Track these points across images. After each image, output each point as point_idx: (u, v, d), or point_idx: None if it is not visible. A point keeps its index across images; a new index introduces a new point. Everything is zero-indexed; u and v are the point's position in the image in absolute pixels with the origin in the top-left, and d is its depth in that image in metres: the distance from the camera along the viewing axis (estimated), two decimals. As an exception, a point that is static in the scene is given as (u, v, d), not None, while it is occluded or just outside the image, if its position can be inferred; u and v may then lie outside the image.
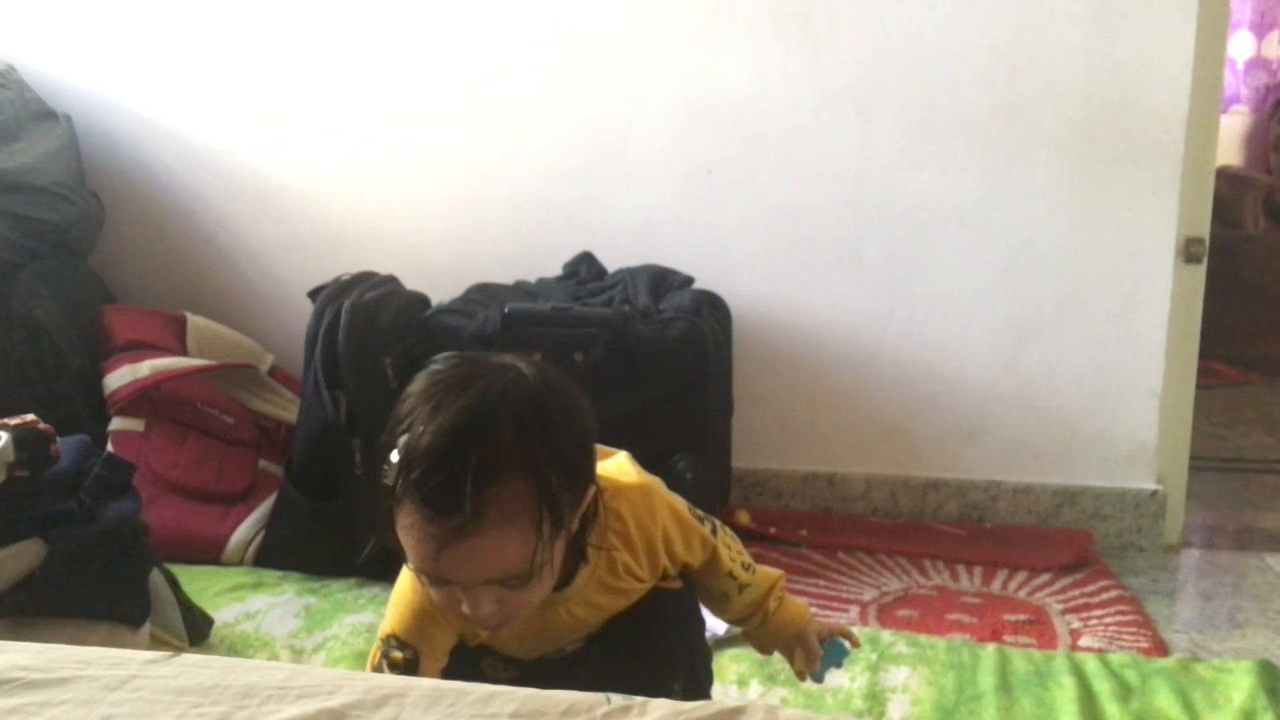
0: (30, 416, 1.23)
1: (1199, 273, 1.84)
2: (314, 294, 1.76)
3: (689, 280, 1.85)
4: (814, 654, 1.11)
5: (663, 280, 1.81)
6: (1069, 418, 1.89)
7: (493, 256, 1.95)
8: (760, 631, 1.13)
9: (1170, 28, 1.72)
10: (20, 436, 1.19)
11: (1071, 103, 1.77)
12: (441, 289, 1.83)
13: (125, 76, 2.12)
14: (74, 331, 1.91)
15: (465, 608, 0.87)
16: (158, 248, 2.15)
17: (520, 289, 1.86)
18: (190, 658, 0.72)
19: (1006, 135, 1.81)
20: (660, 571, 1.05)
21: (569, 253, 1.90)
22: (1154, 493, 1.87)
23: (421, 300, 1.82)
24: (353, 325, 1.68)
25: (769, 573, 1.14)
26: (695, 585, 1.11)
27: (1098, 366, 1.86)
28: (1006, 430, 1.91)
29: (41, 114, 2.09)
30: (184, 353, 1.93)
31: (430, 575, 0.87)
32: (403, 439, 0.83)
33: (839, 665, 1.13)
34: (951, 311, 1.89)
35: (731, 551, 1.10)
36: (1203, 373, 3.01)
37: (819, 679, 1.13)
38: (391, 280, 1.82)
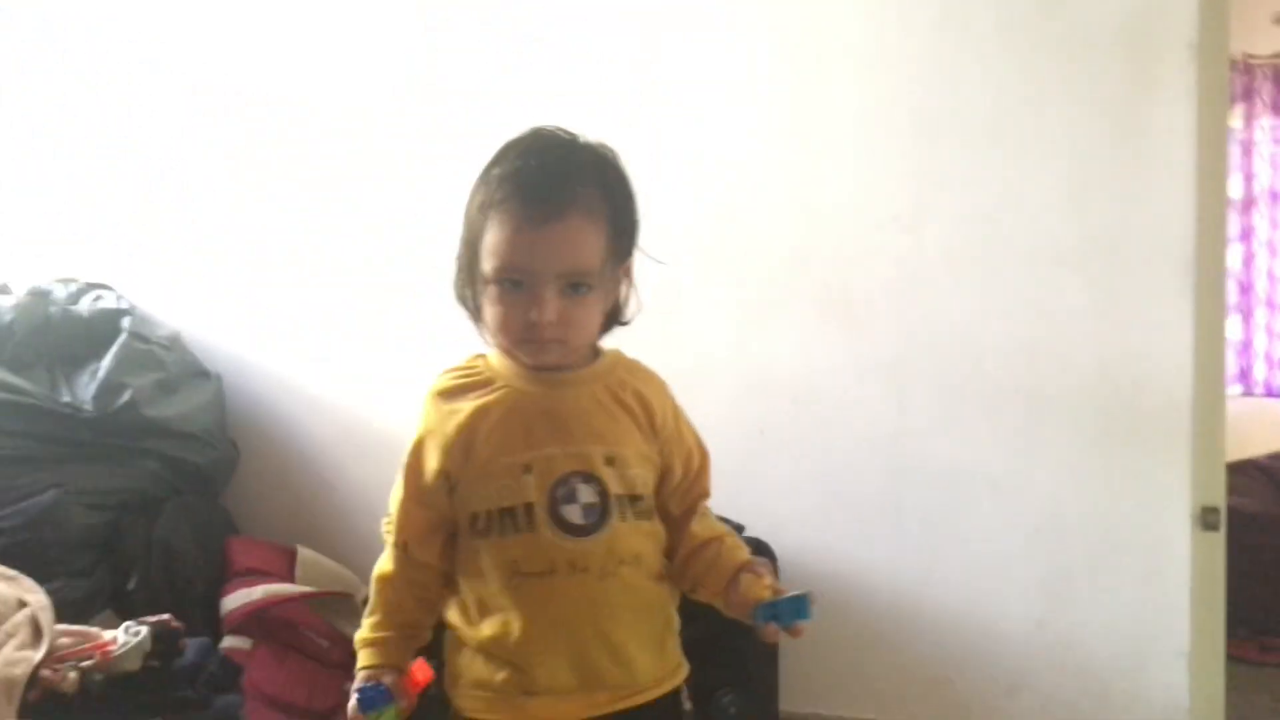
0: (166, 616, 1.47)
1: (1217, 539, 1.96)
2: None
3: (739, 528, 2.04)
4: (778, 588, 1.11)
5: (716, 528, 2.01)
6: (1103, 676, 1.98)
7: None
8: (722, 561, 1.16)
9: (1170, 317, 1.93)
10: (157, 632, 1.43)
11: (1085, 385, 1.98)
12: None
13: (268, 343, 2.50)
14: (201, 558, 2.18)
15: (533, 313, 1.07)
16: (280, 488, 2.46)
17: (590, 533, 2.08)
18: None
19: (1029, 410, 2.01)
20: (661, 440, 1.18)
21: (635, 502, 2.13)
22: (1191, 754, 1.92)
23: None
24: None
25: None
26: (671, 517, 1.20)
27: (1126, 627, 1.96)
28: (1044, 685, 2.00)
29: (197, 372, 2.46)
30: (292, 580, 2.18)
31: (515, 270, 1.08)
32: (495, 170, 1.10)
33: (805, 619, 1.08)
34: (986, 569, 2.04)
35: None
36: (1272, 650, 3.03)
37: (784, 621, 1.08)
38: (477, 521, 2.06)
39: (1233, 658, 2.90)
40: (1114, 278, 1.95)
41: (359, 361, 2.42)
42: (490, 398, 1.15)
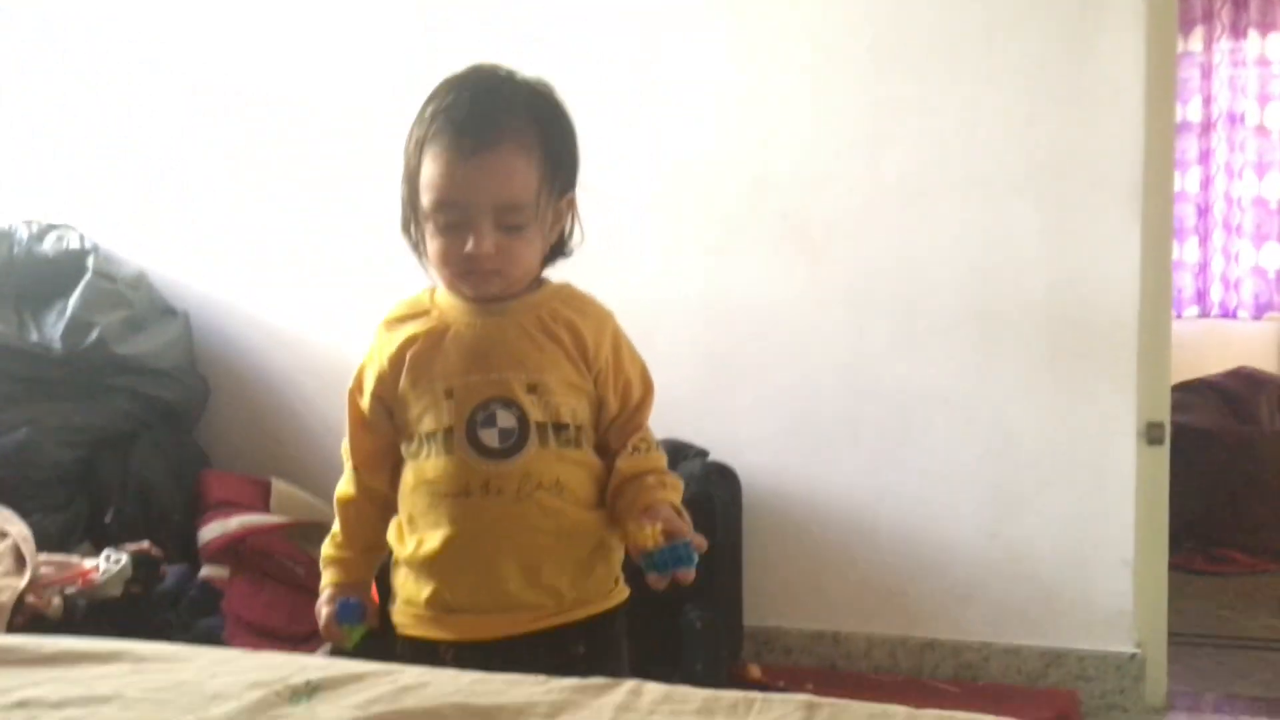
0: (146, 543, 1.52)
1: (1161, 453, 2.05)
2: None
3: (703, 453, 2.11)
4: (673, 529, 1.09)
5: (678, 453, 2.07)
6: (1052, 584, 2.07)
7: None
8: (629, 501, 1.14)
9: (1118, 240, 1.99)
10: (137, 559, 1.48)
11: (1034, 305, 2.04)
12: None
13: (234, 279, 2.51)
14: (176, 491, 2.22)
15: (470, 246, 1.10)
16: (251, 422, 2.49)
17: (557, 459, 2.14)
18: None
19: (981, 332, 2.07)
20: (594, 371, 1.18)
21: (601, 429, 2.18)
22: (1133, 656, 2.02)
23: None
24: (411, 485, 1.96)
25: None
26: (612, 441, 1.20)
27: (1074, 537, 2.05)
28: (996, 594, 2.09)
29: (164, 310, 2.47)
30: (267, 511, 2.23)
31: (450, 204, 1.10)
32: (429, 106, 1.12)
33: (685, 567, 1.06)
34: (940, 484, 2.11)
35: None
36: (1220, 560, 3.16)
37: (660, 570, 1.07)
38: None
39: (1182, 568, 3.04)
40: (1064, 202, 2.00)
41: (324, 295, 2.44)
42: (421, 328, 1.20)
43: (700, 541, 1.10)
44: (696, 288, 2.20)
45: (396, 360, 1.18)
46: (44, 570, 1.48)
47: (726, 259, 2.19)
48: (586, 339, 1.19)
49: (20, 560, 1.54)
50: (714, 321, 2.19)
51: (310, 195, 2.44)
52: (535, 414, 1.17)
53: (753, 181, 2.17)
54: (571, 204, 1.21)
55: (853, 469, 2.15)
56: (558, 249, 1.22)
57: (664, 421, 2.17)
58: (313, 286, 2.45)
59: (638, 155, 2.21)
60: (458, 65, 1.17)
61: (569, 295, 1.23)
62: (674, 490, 1.18)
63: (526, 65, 1.19)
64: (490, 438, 1.17)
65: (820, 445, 2.17)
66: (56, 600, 1.42)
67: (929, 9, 2.03)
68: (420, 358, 1.18)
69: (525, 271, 1.18)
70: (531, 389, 1.17)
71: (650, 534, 1.06)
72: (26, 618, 1.43)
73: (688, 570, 1.07)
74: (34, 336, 2.17)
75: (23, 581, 1.48)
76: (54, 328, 2.18)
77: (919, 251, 2.09)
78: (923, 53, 2.03)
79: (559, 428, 1.18)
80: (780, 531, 2.17)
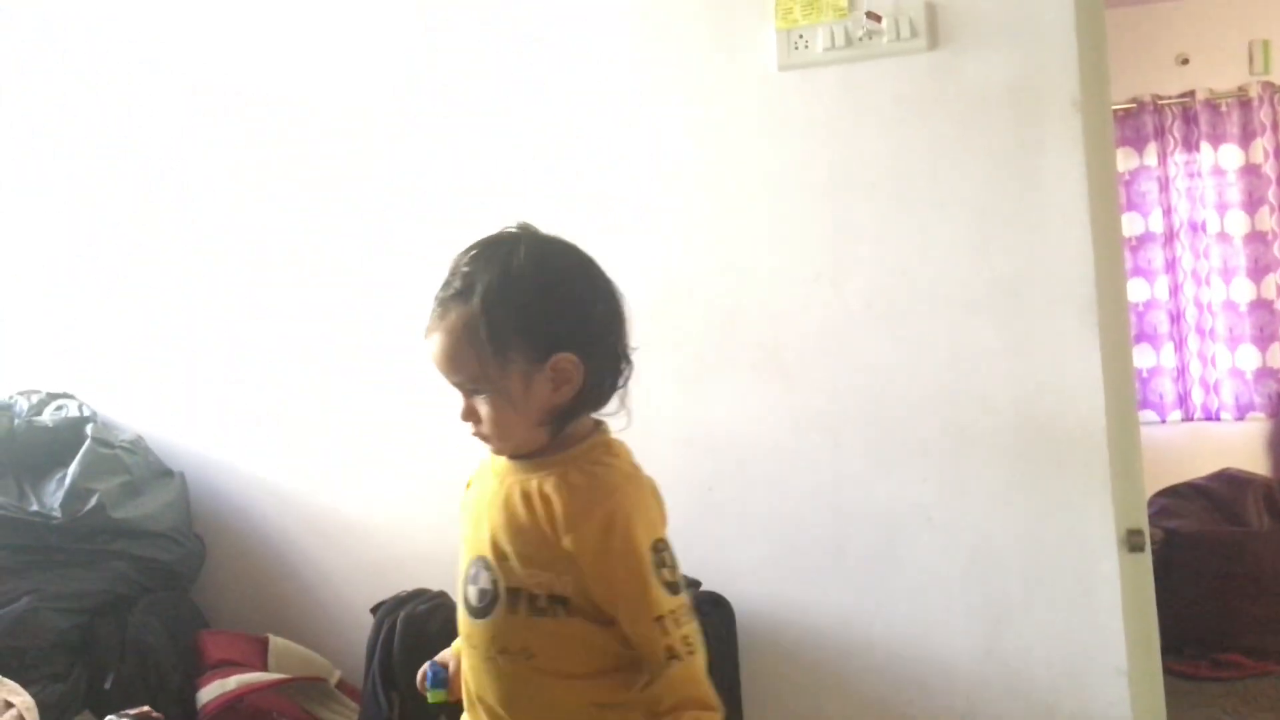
0: (146, 708, 1.54)
1: (1143, 560, 2.07)
2: (375, 609, 2.08)
3: (695, 583, 2.13)
4: None
5: (670, 584, 2.10)
6: (1049, 697, 2.06)
7: (527, 572, 2.26)
8: None
9: (1078, 351, 2.05)
10: (136, 723, 1.49)
11: (1003, 419, 2.09)
12: (484, 601, 2.13)
13: (229, 438, 2.57)
14: (174, 653, 2.23)
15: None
16: (248, 579, 2.52)
17: (550, 598, 2.16)
18: None
19: (954, 448, 2.12)
20: (560, 543, 1.15)
21: (592, 565, 2.21)
22: (1137, 766, 2.00)
23: (466, 611, 2.12)
24: (406, 634, 1.98)
25: (704, 689, 1.15)
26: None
27: (1066, 649, 2.05)
28: (995, 711, 2.08)
29: (161, 472, 2.53)
30: (265, 669, 2.24)
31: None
32: None
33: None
34: (928, 603, 2.13)
35: (678, 619, 1.16)
36: (1224, 665, 3.14)
37: None
38: (441, 595, 2.13)
39: (1187, 676, 3.02)
40: (1023, 318, 2.08)
41: (320, 452, 2.50)
42: (477, 477, 1.33)
43: None
44: (675, 420, 2.26)
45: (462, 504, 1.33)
46: (43, 740, 1.50)
47: (703, 390, 2.25)
48: (557, 516, 1.18)
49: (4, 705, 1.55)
50: (694, 452, 2.25)
51: (303, 352, 2.52)
52: (505, 580, 1.21)
53: (725, 314, 2.25)
54: (557, 367, 1.20)
55: (842, 592, 2.17)
56: (571, 407, 1.23)
57: (654, 555, 2.21)
58: (308, 443, 2.51)
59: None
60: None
61: (580, 462, 1.23)
62: None
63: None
64: (473, 595, 1.25)
65: (808, 569, 2.19)
66: (56, 768, 1.43)
67: (878, 142, 2.14)
68: (465, 505, 1.32)
69: (510, 434, 1.22)
70: (501, 555, 1.22)
71: None
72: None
73: None
74: (34, 506, 2.22)
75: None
76: (54, 496, 2.23)
77: (888, 373, 2.16)
78: (874, 184, 2.14)
79: (532, 596, 1.19)
80: (776, 659, 2.18)
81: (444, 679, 1.31)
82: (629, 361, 1.30)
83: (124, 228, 2.65)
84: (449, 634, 2.01)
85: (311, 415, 2.51)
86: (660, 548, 1.20)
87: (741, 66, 2.22)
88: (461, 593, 1.26)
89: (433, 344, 1.21)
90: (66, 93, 2.71)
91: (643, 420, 2.26)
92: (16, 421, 2.40)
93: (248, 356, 2.55)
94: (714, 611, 2.05)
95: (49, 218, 2.71)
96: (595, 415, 1.31)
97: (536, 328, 1.20)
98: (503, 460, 1.27)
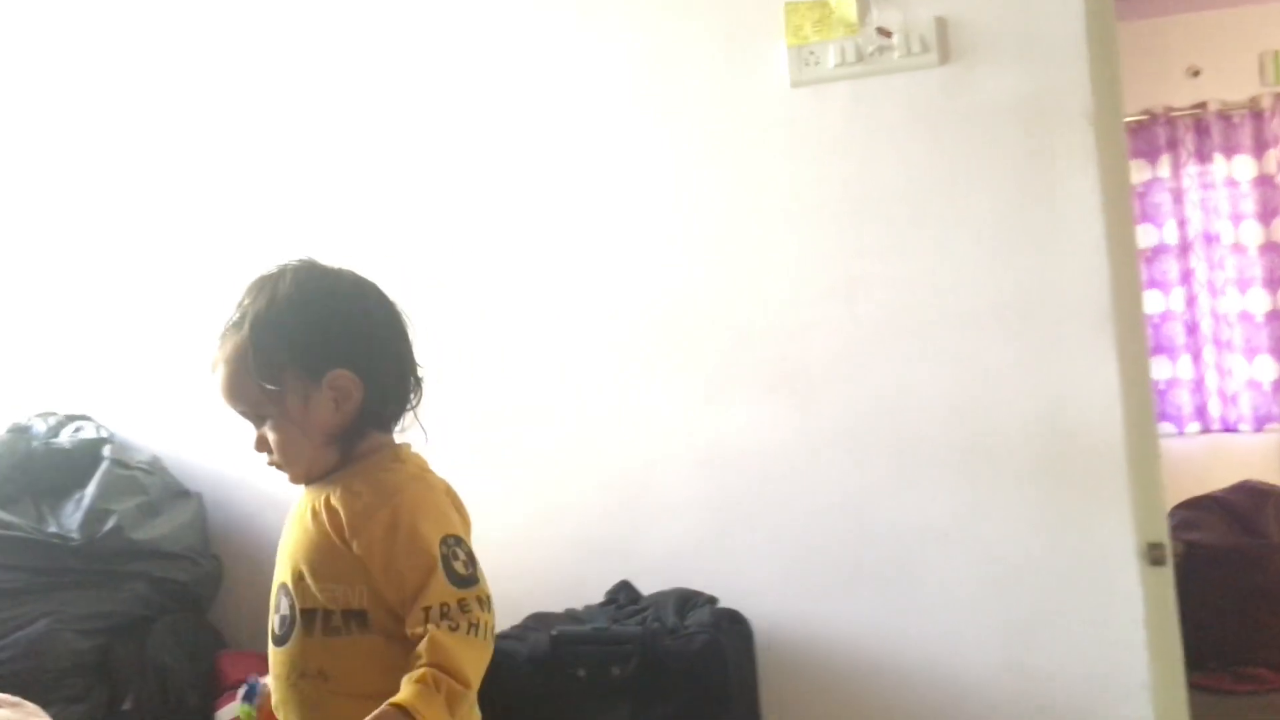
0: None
1: (1165, 574, 2.05)
2: (393, 628, 2.08)
3: (712, 600, 2.13)
4: None
5: (688, 601, 2.09)
6: (1072, 715, 2.05)
7: (545, 589, 2.26)
8: None
9: (1095, 365, 2.04)
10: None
11: (1021, 435, 2.08)
12: (503, 618, 2.10)
13: (247, 460, 2.57)
14: (193, 674, 2.24)
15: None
16: (264, 600, 2.50)
17: (569, 615, 2.15)
18: None
19: (972, 465, 2.11)
20: (358, 555, 1.17)
21: (610, 582, 2.20)
22: (1162, 782, 1.98)
23: (483, 630, 2.12)
24: (424, 653, 1.97)
25: (464, 664, 1.11)
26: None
27: (1089, 665, 2.04)
28: (1018, 729, 2.08)
29: (178, 493, 2.53)
30: (282, 688, 2.23)
31: None
32: None
33: None
34: (948, 620, 2.11)
35: (465, 605, 1.14)
36: (1246, 679, 3.11)
37: None
38: (458, 614, 2.13)
39: (1210, 689, 2.99)
40: (1039, 332, 2.07)
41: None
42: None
43: None
44: (691, 438, 2.26)
45: None
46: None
47: (719, 409, 2.25)
48: (344, 523, 1.21)
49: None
50: (711, 471, 2.24)
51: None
52: (300, 601, 1.23)
53: (740, 332, 2.25)
54: (338, 383, 1.24)
55: (861, 609, 2.16)
56: (356, 425, 1.26)
57: (672, 570, 2.23)
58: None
59: (620, 309, 2.31)
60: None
61: (366, 471, 1.26)
62: (422, 692, 1.10)
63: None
64: (276, 623, 1.28)
65: (826, 587, 2.18)
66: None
67: (891, 157, 2.14)
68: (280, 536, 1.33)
69: (300, 455, 1.26)
70: (299, 576, 1.24)
71: None
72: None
73: None
74: (52, 527, 2.23)
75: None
76: (71, 518, 2.24)
77: (904, 390, 2.16)
78: (888, 201, 2.14)
79: (327, 614, 1.20)
80: (796, 676, 2.17)
81: (254, 695, 1.27)
82: (417, 380, 1.32)
83: (140, 248, 2.66)
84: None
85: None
86: (452, 542, 1.20)
87: (754, 83, 2.22)
88: (269, 625, 1.29)
89: (216, 376, 1.26)
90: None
91: (660, 437, 2.29)
92: (34, 443, 2.41)
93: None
94: (732, 629, 2.04)
95: (62, 238, 2.73)
96: (396, 439, 1.34)
97: (305, 347, 1.23)
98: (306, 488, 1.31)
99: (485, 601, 1.18)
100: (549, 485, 2.34)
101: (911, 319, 2.14)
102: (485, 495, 2.35)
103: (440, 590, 1.15)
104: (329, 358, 1.24)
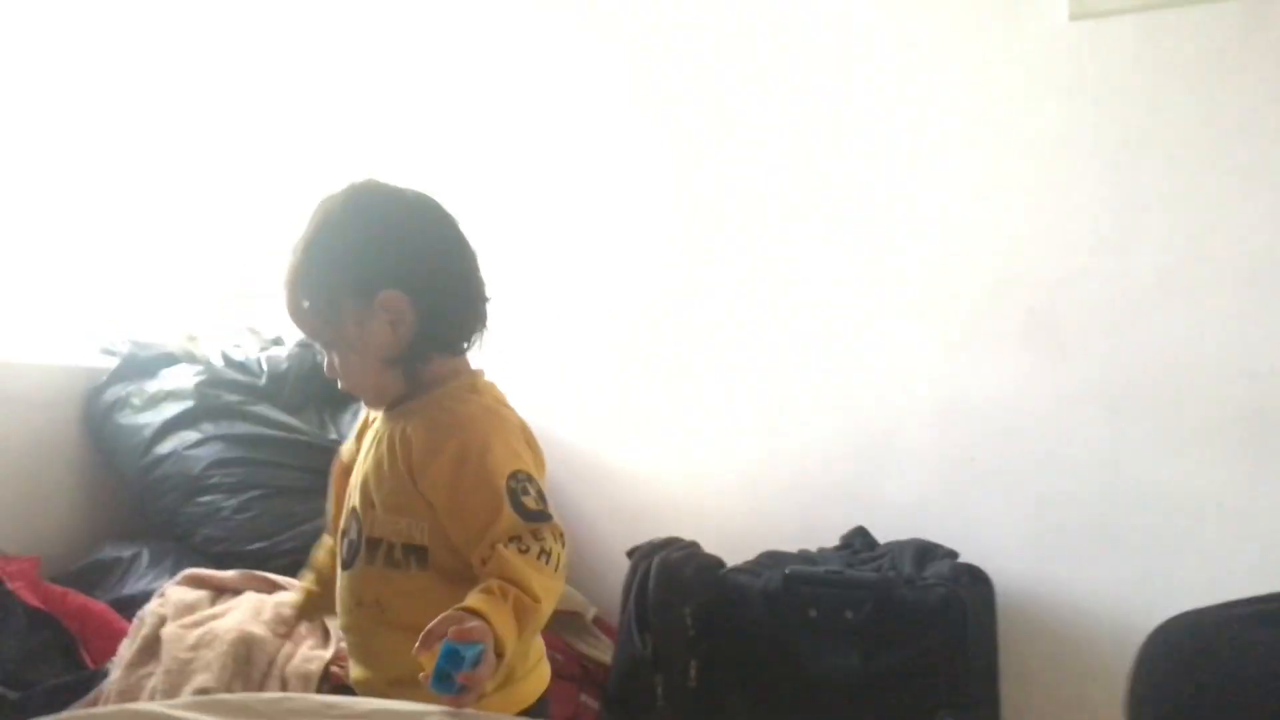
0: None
1: None
2: (631, 552, 2.16)
3: (952, 554, 2.08)
4: (462, 635, 0.97)
5: (927, 553, 2.06)
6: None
7: (780, 528, 2.28)
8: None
9: None
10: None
11: (1312, 403, 1.91)
12: (735, 555, 2.15)
13: (507, 388, 2.72)
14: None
15: None
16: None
17: (802, 556, 2.16)
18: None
19: (1252, 433, 1.95)
20: (422, 489, 1.15)
21: (845, 527, 2.20)
22: None
23: (717, 562, 2.16)
24: (660, 577, 2.04)
25: (534, 581, 1.05)
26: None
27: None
28: (1282, 719, 1.93)
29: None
30: (528, 600, 2.37)
31: None
32: None
33: (454, 670, 0.95)
34: (1213, 596, 1.97)
35: (538, 534, 1.10)
36: None
37: (443, 689, 0.95)
38: (693, 545, 2.19)
39: None
40: (1341, 294, 1.89)
41: (585, 403, 2.60)
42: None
43: (480, 633, 0.98)
44: (936, 387, 2.20)
45: None
46: (343, 644, 1.66)
47: (967, 358, 2.18)
48: (414, 453, 1.18)
49: (326, 633, 1.73)
50: (956, 421, 2.18)
51: (573, 307, 2.62)
52: (368, 529, 1.21)
53: (994, 279, 2.16)
54: (389, 303, 1.20)
55: (1117, 579, 2.06)
56: (416, 347, 1.23)
57: (910, 521, 2.20)
58: (574, 395, 2.61)
59: (872, 254, 2.27)
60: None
61: (439, 400, 1.22)
62: (488, 600, 1.04)
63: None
64: (344, 548, 1.26)
65: (1079, 552, 2.09)
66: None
67: (1180, 101, 1.98)
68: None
69: (364, 381, 1.25)
70: (368, 503, 1.22)
71: (423, 664, 0.97)
72: (331, 687, 1.60)
73: (466, 671, 0.95)
74: (332, 434, 2.44)
75: (329, 653, 1.66)
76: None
77: (1179, 350, 2.02)
78: (1174, 146, 1.98)
79: (389, 547, 1.18)
80: (1039, 641, 2.10)
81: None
82: (480, 305, 1.27)
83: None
84: (702, 581, 2.07)
85: (578, 368, 2.61)
86: (522, 478, 1.14)
87: (1026, 18, 2.11)
88: (337, 544, 1.29)
89: (281, 302, 1.25)
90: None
91: (903, 386, 2.25)
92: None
93: (528, 312, 2.68)
94: (973, 585, 1.99)
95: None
96: (474, 363, 1.32)
97: (354, 268, 1.20)
98: (380, 413, 1.30)
99: (558, 536, 1.14)
100: (789, 426, 2.34)
101: (1191, 275, 1.99)
102: (731, 432, 2.41)
103: (509, 525, 1.11)
104: (378, 278, 1.19)
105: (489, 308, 1.30)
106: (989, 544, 2.12)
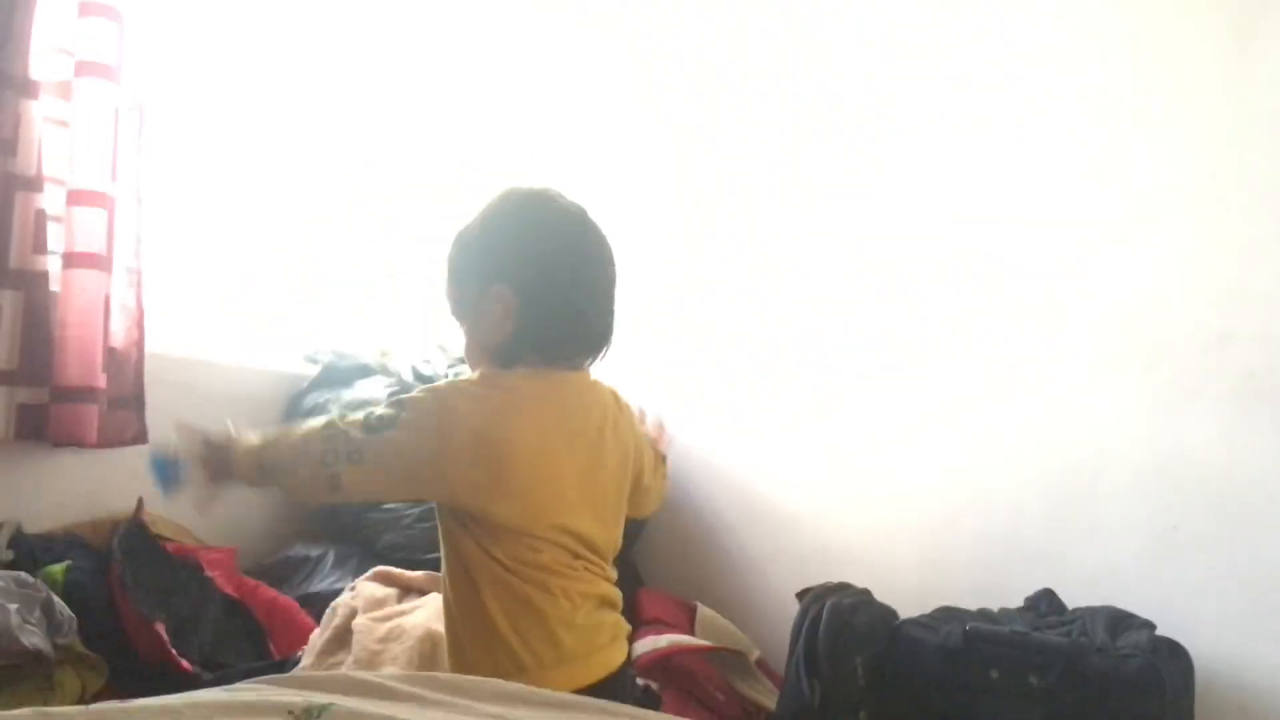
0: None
1: None
2: (801, 594, 2.10)
3: (1149, 625, 1.94)
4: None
5: (1121, 622, 1.93)
6: None
7: (958, 583, 2.19)
8: None
9: None
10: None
11: None
12: (908, 607, 2.07)
13: (685, 422, 2.72)
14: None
15: None
16: (681, 549, 2.65)
17: (983, 615, 2.06)
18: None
19: None
20: (640, 445, 1.53)
21: (1030, 588, 2.08)
22: None
23: (891, 612, 2.08)
24: (832, 623, 1.98)
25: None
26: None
27: None
28: None
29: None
30: (692, 634, 2.35)
31: None
32: None
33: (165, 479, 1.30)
34: None
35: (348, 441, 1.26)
36: None
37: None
38: (866, 592, 2.12)
39: None
40: None
41: (764, 443, 2.58)
42: None
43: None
44: (1139, 447, 2.07)
45: None
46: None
47: (1175, 417, 2.04)
48: (638, 437, 1.58)
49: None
50: (1162, 484, 2.04)
51: (767, 345, 2.60)
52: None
53: (1209, 335, 2.02)
54: (498, 294, 1.35)
55: (1337, 665, 1.88)
56: (512, 346, 1.36)
57: (1102, 587, 2.07)
58: (753, 434, 2.59)
59: (1076, 300, 2.16)
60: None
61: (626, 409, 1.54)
62: (266, 436, 1.34)
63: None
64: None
65: (1295, 634, 1.92)
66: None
67: None
68: None
69: (471, 363, 1.42)
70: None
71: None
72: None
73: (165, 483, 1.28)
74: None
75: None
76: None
77: None
78: None
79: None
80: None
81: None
82: (593, 321, 1.37)
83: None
84: (875, 630, 2.00)
85: (759, 408, 2.59)
86: (405, 404, 1.29)
87: (1254, 59, 1.98)
88: None
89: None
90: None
91: (1100, 445, 2.12)
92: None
93: (709, 342, 2.68)
94: (1172, 659, 1.85)
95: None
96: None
97: (479, 258, 1.36)
98: None
99: (358, 461, 1.25)
100: (976, 476, 2.25)
101: None
102: (910, 480, 2.33)
103: (357, 419, 1.30)
104: (495, 271, 1.34)
105: (613, 327, 1.44)
106: (1190, 617, 1.97)
